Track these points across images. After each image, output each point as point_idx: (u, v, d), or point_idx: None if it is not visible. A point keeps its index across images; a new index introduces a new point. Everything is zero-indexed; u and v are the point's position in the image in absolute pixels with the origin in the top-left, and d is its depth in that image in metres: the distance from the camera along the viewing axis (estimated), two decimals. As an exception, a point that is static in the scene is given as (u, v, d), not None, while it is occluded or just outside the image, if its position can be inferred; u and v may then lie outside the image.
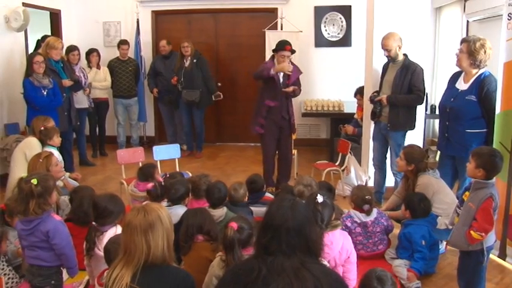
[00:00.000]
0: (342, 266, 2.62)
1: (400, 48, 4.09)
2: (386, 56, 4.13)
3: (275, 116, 4.59)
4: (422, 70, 4.10)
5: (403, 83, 4.05)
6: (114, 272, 1.74)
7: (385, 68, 4.24)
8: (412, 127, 4.20)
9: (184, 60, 6.15)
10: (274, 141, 4.66)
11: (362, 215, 3.28)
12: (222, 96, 6.34)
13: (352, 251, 2.65)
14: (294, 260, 1.46)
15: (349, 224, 3.26)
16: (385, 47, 4.07)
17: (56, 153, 3.84)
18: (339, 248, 2.57)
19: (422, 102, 4.19)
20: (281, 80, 4.53)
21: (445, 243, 3.23)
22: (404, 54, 4.11)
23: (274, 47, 4.55)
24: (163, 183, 3.35)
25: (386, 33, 4.10)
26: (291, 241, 1.49)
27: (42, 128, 3.96)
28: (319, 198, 2.47)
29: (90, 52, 6.22)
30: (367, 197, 3.27)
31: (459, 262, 2.70)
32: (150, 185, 3.34)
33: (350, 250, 2.63)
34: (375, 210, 3.35)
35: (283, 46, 4.44)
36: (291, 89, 4.51)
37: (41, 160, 3.31)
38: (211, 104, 6.43)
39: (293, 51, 4.48)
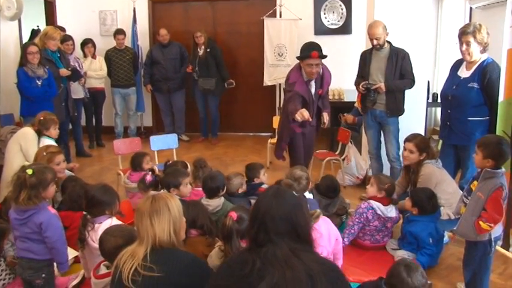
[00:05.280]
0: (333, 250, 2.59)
1: (387, 35, 4.05)
2: (374, 45, 4.06)
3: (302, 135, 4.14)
4: (409, 55, 4.08)
5: (396, 69, 4.03)
6: (126, 253, 1.81)
7: (368, 57, 4.16)
8: (403, 111, 4.19)
9: (198, 49, 6.22)
10: (302, 146, 4.21)
11: (385, 208, 3.20)
12: (234, 83, 6.39)
13: (337, 233, 2.62)
14: (284, 248, 1.45)
15: (370, 217, 3.18)
16: (374, 36, 4.00)
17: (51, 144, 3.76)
18: (327, 237, 2.53)
19: (413, 87, 4.15)
20: (313, 91, 3.98)
21: (447, 233, 3.17)
22: (388, 41, 4.08)
23: (299, 54, 3.87)
24: (157, 172, 3.32)
25: (372, 22, 4.05)
26: (279, 229, 1.48)
27: (42, 118, 3.88)
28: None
29: (84, 43, 6.14)
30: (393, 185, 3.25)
31: (465, 252, 2.66)
32: (148, 177, 3.29)
33: (335, 233, 2.59)
34: (393, 206, 3.27)
35: (309, 53, 3.75)
36: (325, 123, 4.03)
37: (44, 154, 3.26)
38: (224, 91, 6.47)
39: (323, 57, 3.81)
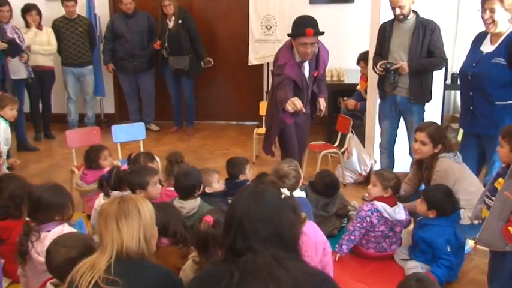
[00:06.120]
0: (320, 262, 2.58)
1: (413, 2, 3.99)
2: (397, 15, 4.01)
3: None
4: (440, 28, 4.04)
5: (423, 46, 3.98)
6: (84, 264, 1.79)
7: (388, 30, 4.14)
8: (431, 97, 4.17)
9: (168, 21, 6.12)
10: (295, 138, 4.24)
11: (392, 209, 3.20)
12: (212, 62, 6.36)
13: (326, 241, 2.63)
14: (266, 256, 1.46)
15: (375, 221, 3.18)
16: (397, 3, 3.93)
17: (3, 128, 3.77)
18: (313, 245, 2.53)
19: (443, 67, 4.15)
20: (307, 73, 4.02)
21: (470, 241, 3.17)
22: (414, 11, 4.03)
23: (290, 29, 3.89)
24: (116, 170, 3.28)
25: None
26: (259, 234, 1.49)
27: None
28: (285, 192, 2.37)
29: (26, 10, 5.94)
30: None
31: (490, 265, 2.65)
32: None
33: (323, 240, 2.60)
34: (401, 205, 3.28)
35: (303, 30, 3.73)
36: (322, 110, 4.17)
37: None
38: (201, 72, 6.44)
39: (320, 33, 3.81)
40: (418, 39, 3.97)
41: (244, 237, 1.49)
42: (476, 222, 2.71)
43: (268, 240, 1.49)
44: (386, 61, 4.09)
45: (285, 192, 2.31)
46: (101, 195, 3.27)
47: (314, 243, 2.53)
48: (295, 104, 3.69)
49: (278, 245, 1.50)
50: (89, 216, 3.66)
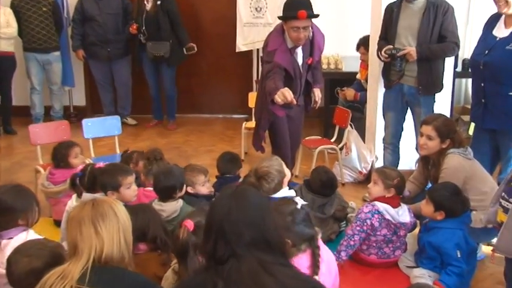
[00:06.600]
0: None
1: None
2: None
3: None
4: (453, 9, 4.04)
5: (434, 29, 3.98)
6: (54, 274, 1.79)
7: (395, 12, 4.14)
8: (442, 87, 4.17)
9: (145, 2, 6.09)
10: (287, 132, 4.25)
11: (395, 211, 3.20)
12: (196, 48, 6.35)
13: (333, 261, 2.57)
14: (251, 262, 1.49)
15: (376, 224, 3.17)
16: None
17: None
18: (327, 264, 2.46)
19: (456, 54, 4.17)
20: (300, 60, 4.03)
21: (483, 247, 3.17)
22: None
23: (281, 11, 3.89)
24: (91, 168, 3.25)
25: None
26: (243, 238, 1.52)
27: None
28: (298, 201, 2.36)
29: None
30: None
31: (507, 274, 2.63)
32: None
33: (333, 260, 2.55)
34: (405, 206, 3.28)
35: (295, 12, 3.71)
36: (317, 102, 4.20)
37: None
38: (184, 60, 6.44)
39: (314, 16, 3.82)
40: (429, 21, 3.97)
41: (226, 242, 1.51)
42: (490, 226, 2.69)
43: (252, 244, 1.51)
44: (392, 46, 4.08)
45: (298, 201, 2.34)
46: (74, 196, 3.25)
47: (327, 262, 2.47)
48: (285, 95, 3.68)
49: (264, 249, 1.52)
50: (56, 222, 3.64)
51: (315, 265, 2.25)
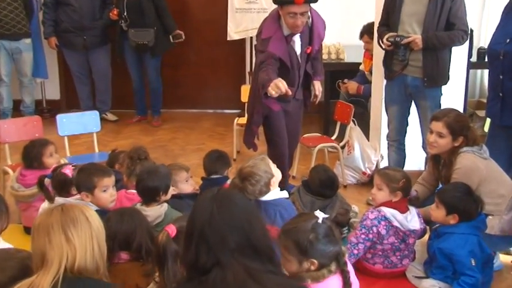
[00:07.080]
0: None
1: None
2: None
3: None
4: None
5: (441, 15, 3.99)
6: (22, 287, 1.80)
7: None
8: (448, 79, 4.19)
9: None
10: (284, 129, 4.25)
11: (403, 217, 3.19)
12: (183, 36, 6.36)
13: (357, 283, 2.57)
14: (237, 270, 1.50)
15: (383, 232, 3.16)
16: None
17: None
18: None
19: (464, 42, 4.16)
20: (298, 50, 4.03)
21: (500, 255, 3.18)
22: None
23: None
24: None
25: None
26: (227, 244, 1.53)
27: None
28: (319, 215, 2.32)
29: None
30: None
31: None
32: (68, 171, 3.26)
33: (356, 283, 2.53)
34: (414, 211, 3.27)
35: None
36: (317, 96, 4.22)
37: None
38: (170, 48, 6.46)
39: (312, 1, 3.80)
40: (436, 7, 3.98)
41: (209, 249, 1.53)
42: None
43: (238, 251, 1.53)
44: (395, 33, 4.09)
45: (318, 215, 2.32)
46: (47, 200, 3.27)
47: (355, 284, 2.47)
48: (278, 86, 3.65)
49: (251, 255, 1.54)
50: (26, 229, 3.63)
51: (347, 285, 2.25)
